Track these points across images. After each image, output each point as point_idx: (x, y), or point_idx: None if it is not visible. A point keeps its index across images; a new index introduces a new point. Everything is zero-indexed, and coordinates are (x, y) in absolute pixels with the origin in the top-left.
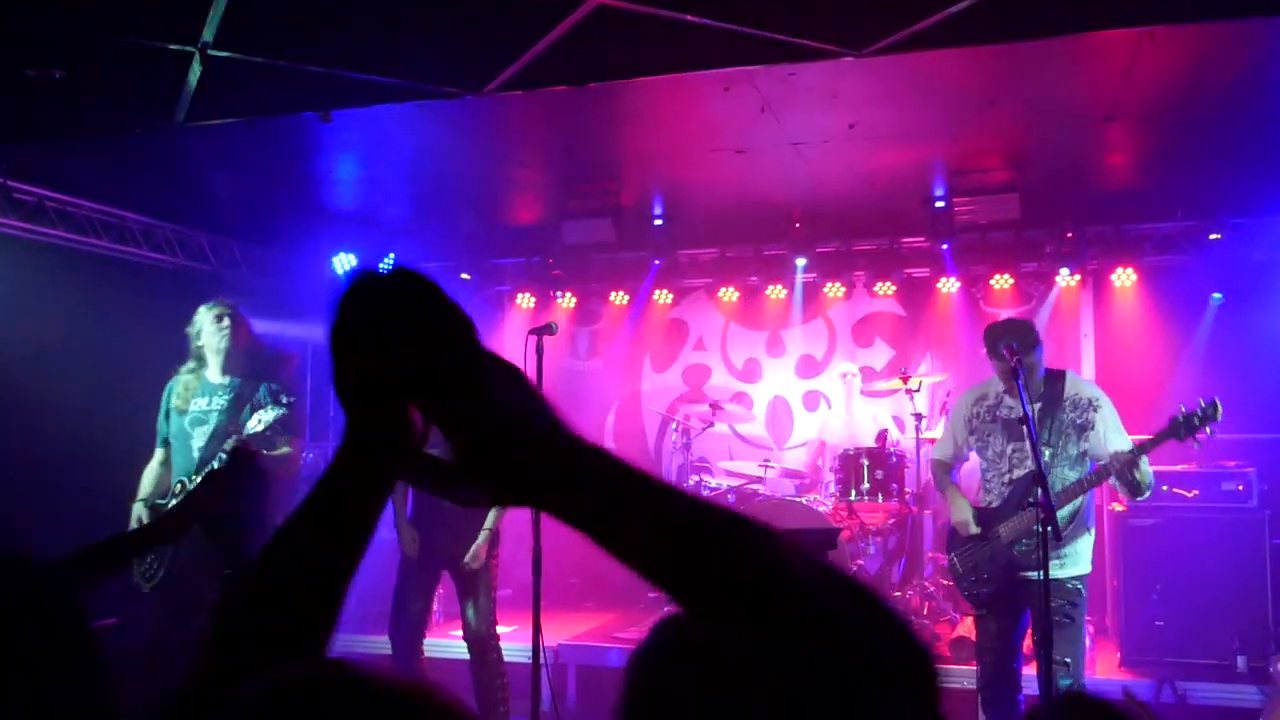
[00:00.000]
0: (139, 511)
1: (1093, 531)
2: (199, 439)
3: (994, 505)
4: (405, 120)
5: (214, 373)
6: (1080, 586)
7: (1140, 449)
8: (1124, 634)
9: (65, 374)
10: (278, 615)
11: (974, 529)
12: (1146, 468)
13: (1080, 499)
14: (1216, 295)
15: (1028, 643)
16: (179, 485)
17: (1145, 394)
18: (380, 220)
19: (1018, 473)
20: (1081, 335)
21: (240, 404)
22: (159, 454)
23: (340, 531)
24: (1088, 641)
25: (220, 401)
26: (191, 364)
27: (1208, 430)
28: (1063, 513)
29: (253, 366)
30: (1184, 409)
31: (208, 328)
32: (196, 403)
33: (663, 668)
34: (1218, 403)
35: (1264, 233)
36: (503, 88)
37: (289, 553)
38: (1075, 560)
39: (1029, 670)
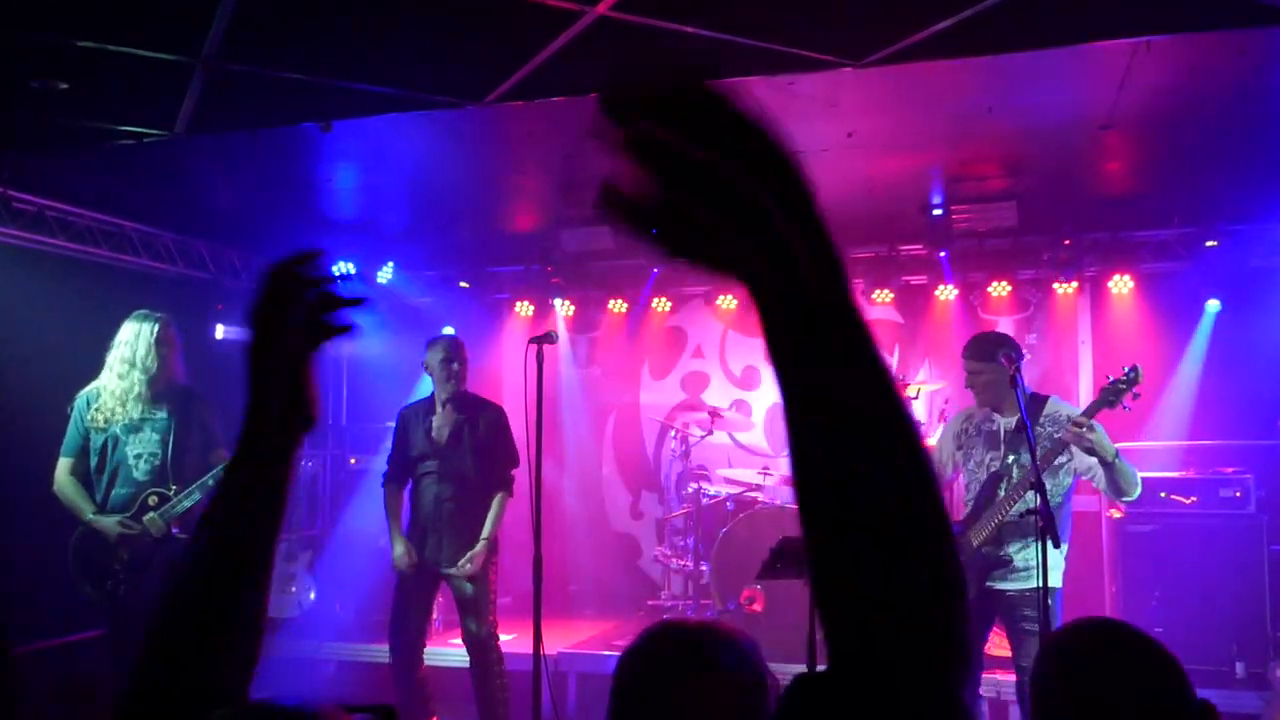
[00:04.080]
0: (107, 524)
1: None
2: (149, 446)
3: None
4: (405, 129)
5: (144, 385)
6: (1048, 599)
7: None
8: None
9: (65, 383)
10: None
11: None
12: (1125, 465)
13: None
14: (1213, 302)
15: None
16: (154, 497)
17: (1143, 400)
18: (379, 228)
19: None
20: (1079, 342)
21: (186, 419)
22: (71, 463)
23: (266, 506)
24: None
25: (160, 415)
26: (123, 374)
27: (1134, 394)
28: (1014, 514)
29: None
30: (1110, 377)
31: (144, 340)
32: (130, 415)
33: (650, 671)
34: (1139, 367)
35: (1260, 239)
36: (504, 98)
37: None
38: (1034, 573)
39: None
